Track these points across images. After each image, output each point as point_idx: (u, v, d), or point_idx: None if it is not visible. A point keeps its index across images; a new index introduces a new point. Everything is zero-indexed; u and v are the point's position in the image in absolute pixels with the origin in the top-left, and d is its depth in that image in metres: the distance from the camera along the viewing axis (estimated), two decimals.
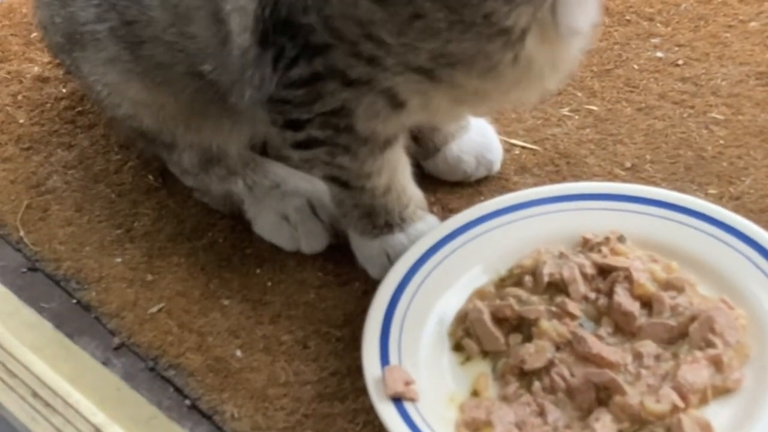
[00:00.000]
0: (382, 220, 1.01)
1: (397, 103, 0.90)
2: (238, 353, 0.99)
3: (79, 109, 1.27)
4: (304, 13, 0.86)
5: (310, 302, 1.03)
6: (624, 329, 0.91)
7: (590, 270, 0.95)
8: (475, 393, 0.91)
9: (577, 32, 0.88)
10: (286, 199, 1.07)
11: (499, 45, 0.84)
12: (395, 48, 0.85)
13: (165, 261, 1.08)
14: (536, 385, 0.88)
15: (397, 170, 0.99)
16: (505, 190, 1.10)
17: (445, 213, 1.08)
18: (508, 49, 0.84)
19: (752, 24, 1.27)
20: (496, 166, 1.13)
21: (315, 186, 1.08)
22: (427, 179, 1.10)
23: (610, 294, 0.93)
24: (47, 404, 0.97)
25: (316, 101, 0.90)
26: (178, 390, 0.97)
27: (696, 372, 0.87)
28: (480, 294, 0.97)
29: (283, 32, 0.88)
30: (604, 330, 0.92)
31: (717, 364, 0.88)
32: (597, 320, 0.93)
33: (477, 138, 1.12)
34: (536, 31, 0.85)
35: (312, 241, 1.06)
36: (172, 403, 0.96)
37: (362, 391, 0.91)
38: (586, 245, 0.98)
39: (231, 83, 0.96)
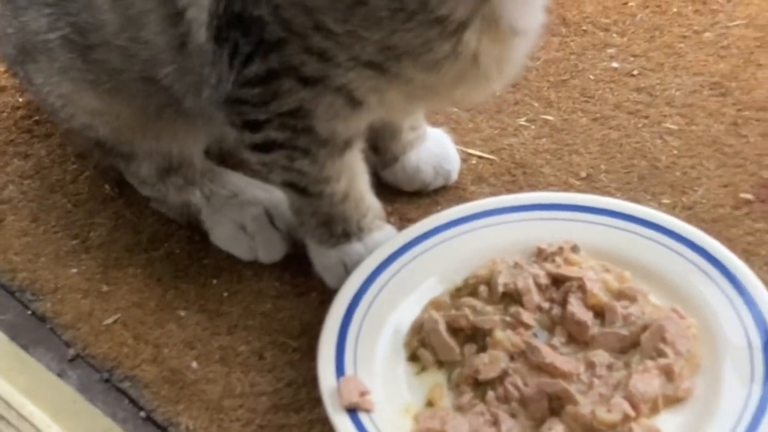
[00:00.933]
0: (340, 229, 1.01)
1: (354, 102, 0.90)
2: (194, 364, 0.99)
3: (36, 118, 1.26)
4: (256, 5, 0.87)
5: (266, 312, 1.03)
6: (577, 339, 0.92)
7: (544, 280, 0.96)
8: (430, 403, 0.91)
9: (522, 32, 0.89)
10: (243, 209, 1.08)
11: (436, 33, 0.85)
12: (342, 39, 0.85)
13: (121, 272, 1.08)
14: (490, 394, 0.89)
15: (355, 176, 1.00)
16: (461, 199, 1.11)
17: (402, 223, 1.09)
18: (446, 39, 0.85)
19: (706, 35, 1.29)
20: (454, 176, 1.14)
21: (272, 195, 1.08)
22: (384, 189, 1.11)
23: (563, 304, 0.94)
24: (1, 416, 0.96)
25: (273, 100, 0.91)
26: (133, 402, 0.97)
27: (647, 381, 0.88)
28: (435, 304, 0.97)
29: (236, 27, 0.89)
30: (558, 340, 0.92)
31: (668, 373, 0.89)
32: (551, 330, 0.94)
33: (435, 148, 1.13)
34: (479, 26, 0.86)
35: (269, 250, 1.07)
36: (127, 415, 0.96)
37: (318, 401, 0.91)
38: (541, 255, 0.99)
39: (186, 87, 0.96)
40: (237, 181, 1.10)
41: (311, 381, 0.93)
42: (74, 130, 1.09)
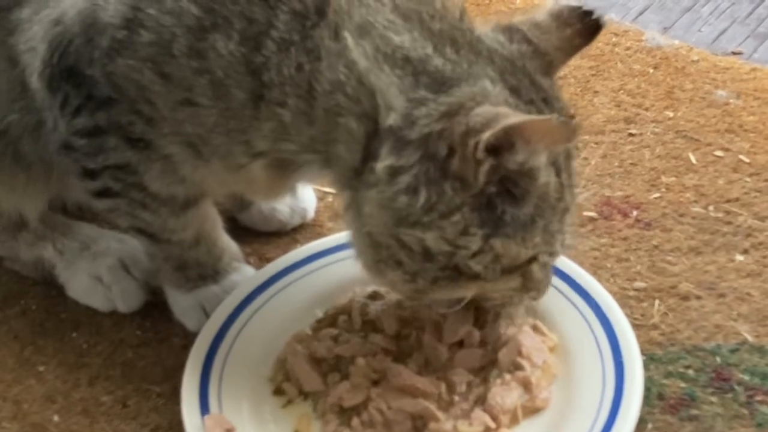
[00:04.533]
0: (195, 273, 1.01)
1: (179, 175, 0.92)
2: (56, 418, 0.97)
3: None
4: (89, 66, 0.88)
5: (128, 361, 1.02)
6: (436, 361, 0.94)
7: (403, 306, 0.98)
8: None
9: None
10: (97, 260, 1.07)
11: (240, 150, 0.88)
12: (168, 120, 0.88)
13: None
14: (355, 420, 0.90)
15: (204, 225, 1.00)
16: (320, 236, 1.12)
17: (262, 263, 1.10)
18: (245, 157, 0.88)
19: None
20: (310, 214, 1.15)
21: (126, 245, 1.07)
22: (243, 230, 1.12)
23: (422, 327, 0.96)
24: None
25: (99, 153, 0.92)
26: None
27: (506, 394, 0.90)
28: (298, 338, 0.98)
29: (68, 80, 0.89)
30: (418, 362, 0.94)
31: (526, 384, 0.92)
32: (410, 354, 0.95)
33: None
34: (268, 162, 0.89)
35: (127, 299, 1.06)
36: None
37: None
38: None
39: (24, 128, 0.96)
40: (89, 232, 1.10)
41: (177, 425, 0.93)
42: None
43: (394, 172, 0.81)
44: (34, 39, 0.91)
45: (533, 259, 0.85)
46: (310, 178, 0.95)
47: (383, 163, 0.82)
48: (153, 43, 0.85)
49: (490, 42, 0.85)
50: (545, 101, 0.84)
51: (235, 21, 0.83)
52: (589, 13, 0.86)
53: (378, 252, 0.85)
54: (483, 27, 0.87)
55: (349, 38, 0.82)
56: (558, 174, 0.84)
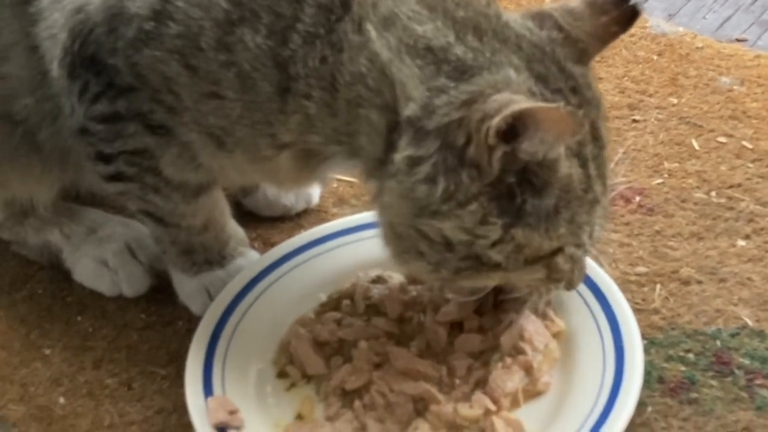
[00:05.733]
0: (201, 258, 1.02)
1: (197, 162, 0.93)
2: (62, 400, 0.98)
3: None
4: (112, 55, 0.88)
5: (133, 344, 1.03)
6: (437, 345, 0.95)
7: (405, 290, 0.99)
8: (300, 416, 0.93)
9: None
10: (103, 244, 1.08)
11: (266, 142, 0.89)
12: (191, 110, 0.88)
13: None
14: (357, 403, 0.91)
15: (213, 211, 1.01)
16: (324, 222, 1.12)
17: (266, 248, 1.10)
18: (270, 148, 0.89)
19: None
20: (315, 199, 1.16)
21: (132, 229, 1.08)
22: (248, 215, 1.12)
23: (425, 311, 0.97)
24: None
25: (117, 139, 0.92)
26: None
27: (507, 377, 0.91)
28: (301, 321, 0.99)
29: (89, 68, 0.90)
30: (420, 346, 0.95)
31: (527, 369, 0.92)
32: (412, 337, 0.96)
33: None
34: (295, 153, 0.89)
35: (133, 284, 1.07)
36: None
37: (188, 426, 0.91)
38: None
39: (42, 116, 0.97)
40: (95, 217, 1.10)
41: (181, 407, 0.94)
42: None
43: (413, 163, 0.82)
44: (54, 26, 0.92)
45: (558, 250, 0.85)
46: (338, 169, 0.95)
47: (402, 153, 0.82)
48: (181, 36, 0.85)
49: (518, 28, 0.84)
50: (573, 90, 0.83)
51: (262, 15, 0.84)
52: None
53: (401, 242, 0.85)
54: (512, 14, 0.86)
55: (372, 31, 0.83)
56: (583, 165, 0.83)
